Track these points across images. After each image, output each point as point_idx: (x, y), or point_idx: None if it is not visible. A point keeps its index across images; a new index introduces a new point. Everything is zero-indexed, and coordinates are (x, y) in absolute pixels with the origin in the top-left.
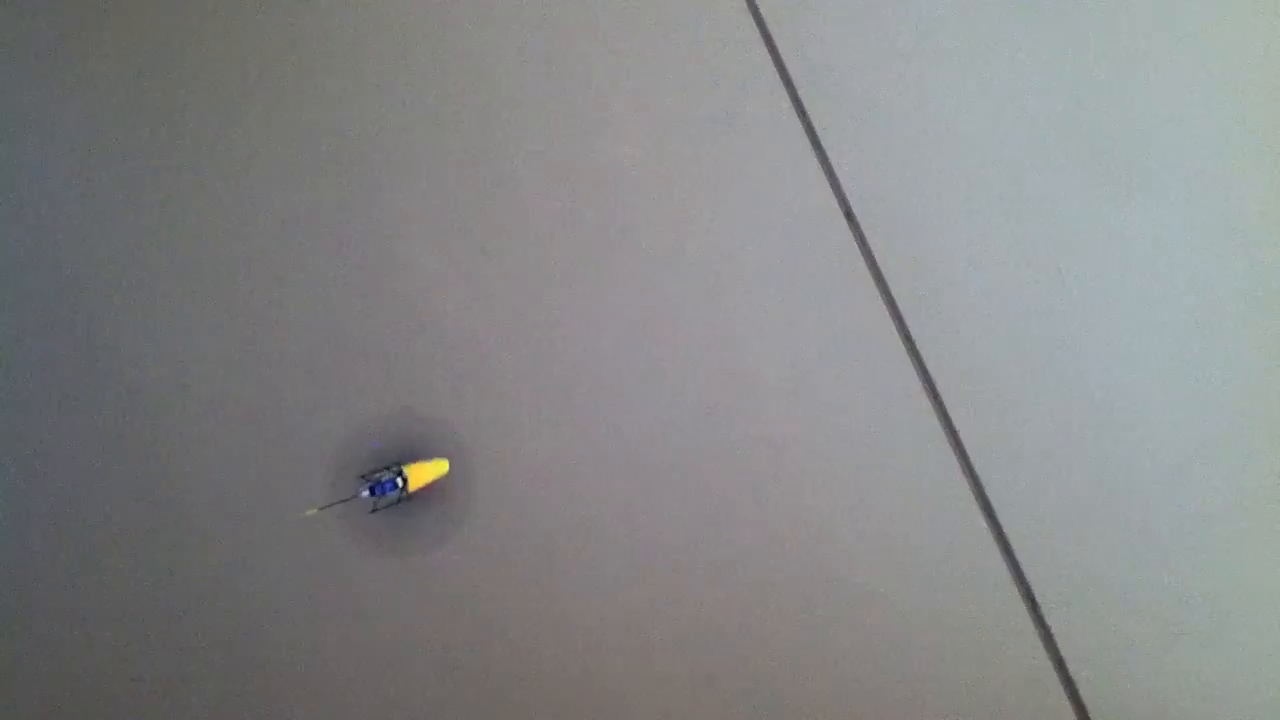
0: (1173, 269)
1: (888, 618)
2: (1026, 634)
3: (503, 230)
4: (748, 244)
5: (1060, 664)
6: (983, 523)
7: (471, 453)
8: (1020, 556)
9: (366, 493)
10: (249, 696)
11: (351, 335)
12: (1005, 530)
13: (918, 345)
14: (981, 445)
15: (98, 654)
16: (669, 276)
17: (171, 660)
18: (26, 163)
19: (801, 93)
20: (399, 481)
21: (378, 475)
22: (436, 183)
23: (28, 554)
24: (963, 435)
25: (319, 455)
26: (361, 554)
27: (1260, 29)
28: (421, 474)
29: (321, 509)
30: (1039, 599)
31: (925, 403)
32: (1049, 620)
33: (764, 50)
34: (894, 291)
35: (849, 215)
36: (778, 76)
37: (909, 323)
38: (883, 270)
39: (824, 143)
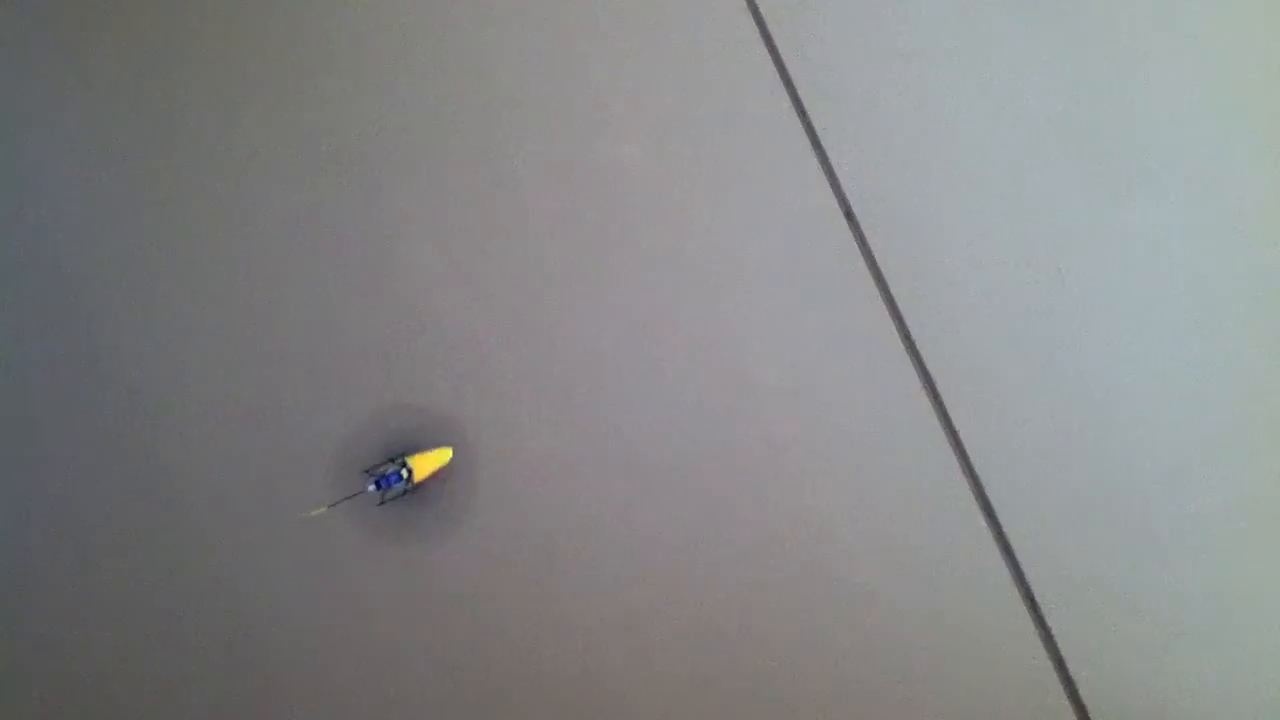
0: (1173, 269)
1: (888, 618)
2: (1026, 634)
3: (503, 230)
4: (748, 244)
5: (1060, 664)
6: (983, 523)
7: (472, 452)
8: (1020, 556)
9: (373, 487)
10: (249, 696)
11: (351, 335)
12: (1005, 530)
13: (918, 345)
14: (981, 445)
15: (97, 654)
16: (669, 276)
17: (171, 660)
18: (26, 162)
19: (801, 93)
20: (404, 473)
21: (382, 469)
22: (436, 183)
23: (28, 554)
24: (963, 435)
25: (319, 455)
26: (362, 553)
27: (1260, 29)
28: (426, 464)
29: (331, 506)
30: (1039, 599)
31: (925, 403)
32: (1049, 620)
33: (764, 50)
34: (894, 291)
35: (849, 215)
36: (778, 76)
37: (909, 323)
38: (883, 270)
39: (824, 143)
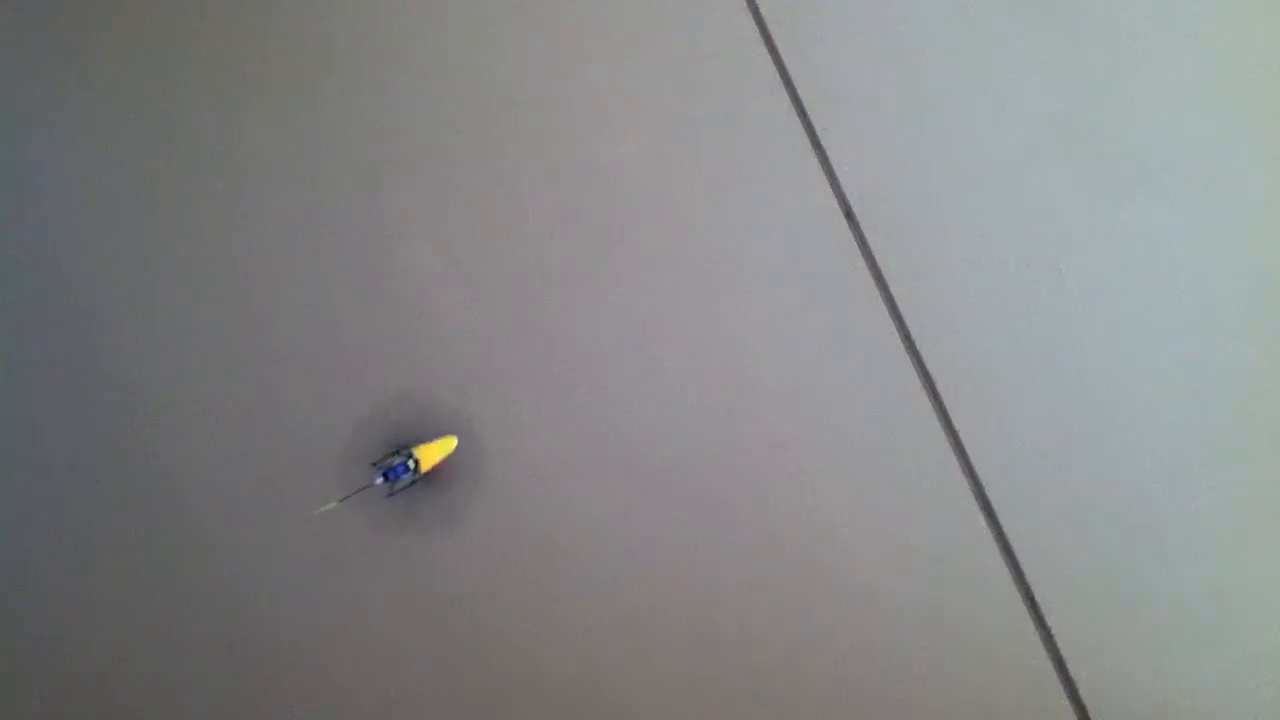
0: (1173, 269)
1: (888, 618)
2: (1026, 634)
3: (503, 230)
4: (748, 244)
5: (1060, 664)
6: (983, 523)
7: (472, 451)
8: (1020, 556)
9: (380, 479)
10: (249, 696)
11: (351, 335)
12: (1005, 530)
13: (918, 345)
14: (981, 445)
15: (97, 654)
16: (669, 276)
17: (171, 660)
18: (26, 162)
19: (801, 93)
20: (410, 464)
21: (389, 461)
22: (436, 183)
23: (27, 554)
24: (963, 435)
25: (319, 454)
26: (363, 551)
27: (1260, 29)
28: (432, 453)
29: (341, 500)
30: (1039, 599)
31: (925, 403)
32: (1049, 620)
33: (764, 50)
34: (894, 291)
35: (849, 215)
36: (778, 76)
37: (909, 323)
38: (883, 270)
39: (824, 143)
